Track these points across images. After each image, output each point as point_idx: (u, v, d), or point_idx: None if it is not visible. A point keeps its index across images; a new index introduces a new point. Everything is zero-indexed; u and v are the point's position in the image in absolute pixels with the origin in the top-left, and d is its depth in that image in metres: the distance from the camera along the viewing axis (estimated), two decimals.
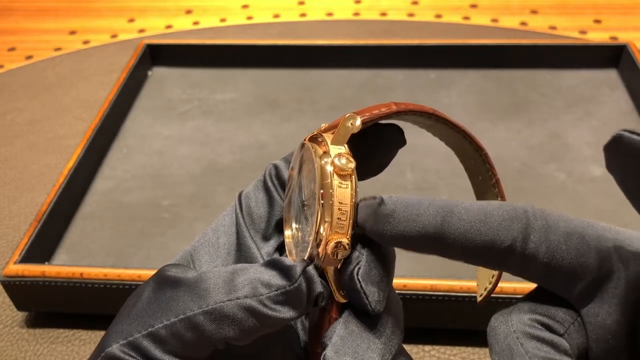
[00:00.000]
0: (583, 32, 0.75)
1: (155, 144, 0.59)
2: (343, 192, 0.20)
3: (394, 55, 0.66)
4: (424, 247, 0.20)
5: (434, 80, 0.65)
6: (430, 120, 0.26)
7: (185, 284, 0.21)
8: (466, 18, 0.78)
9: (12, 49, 0.78)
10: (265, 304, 0.20)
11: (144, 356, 0.20)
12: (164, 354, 0.20)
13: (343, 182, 0.20)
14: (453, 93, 0.64)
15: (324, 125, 0.23)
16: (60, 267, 0.42)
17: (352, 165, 0.20)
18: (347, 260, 0.21)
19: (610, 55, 0.64)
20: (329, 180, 0.20)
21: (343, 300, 0.21)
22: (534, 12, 0.79)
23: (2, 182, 0.56)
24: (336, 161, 0.20)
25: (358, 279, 0.20)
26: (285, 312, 0.20)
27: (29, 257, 0.43)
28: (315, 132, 0.22)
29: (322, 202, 0.20)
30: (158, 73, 0.69)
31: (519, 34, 0.74)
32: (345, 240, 0.20)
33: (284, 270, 0.20)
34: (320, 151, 0.21)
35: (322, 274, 0.21)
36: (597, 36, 0.74)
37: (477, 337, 0.41)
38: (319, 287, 0.21)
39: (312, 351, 0.22)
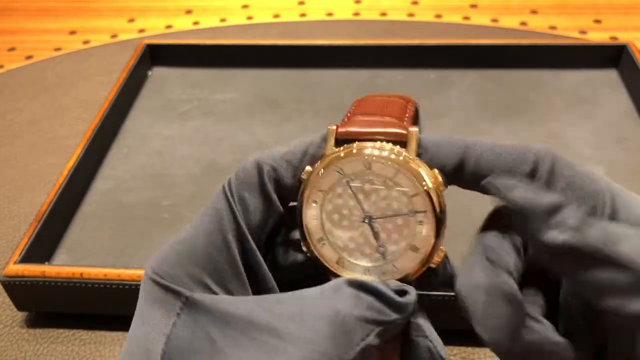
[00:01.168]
0: (583, 32, 0.75)
1: (155, 144, 0.59)
2: (441, 211, 0.22)
3: (394, 55, 0.66)
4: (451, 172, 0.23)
5: (434, 80, 0.65)
6: None
7: (291, 335, 0.18)
8: (466, 18, 0.78)
9: (12, 49, 0.78)
10: (376, 339, 0.19)
11: None
12: None
13: (441, 197, 0.22)
14: (453, 93, 0.64)
15: (333, 126, 0.23)
16: (60, 267, 0.42)
17: (445, 186, 0.22)
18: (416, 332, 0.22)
19: (610, 55, 0.64)
20: (437, 197, 0.21)
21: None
22: (534, 12, 0.79)
23: (2, 182, 0.56)
24: (437, 175, 0.22)
25: (441, 353, 0.22)
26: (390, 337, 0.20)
27: (29, 257, 0.43)
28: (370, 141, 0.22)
29: (427, 220, 0.21)
30: (158, 73, 0.69)
31: (519, 34, 0.74)
32: (440, 260, 0.22)
33: (394, 305, 0.20)
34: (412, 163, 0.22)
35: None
36: (597, 36, 0.74)
37: (477, 337, 0.41)
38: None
39: None
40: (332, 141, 0.23)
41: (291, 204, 0.24)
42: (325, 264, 0.22)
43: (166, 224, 0.51)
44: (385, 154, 0.22)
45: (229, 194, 0.22)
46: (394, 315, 0.20)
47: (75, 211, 0.52)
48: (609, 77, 0.64)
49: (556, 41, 0.68)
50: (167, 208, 0.52)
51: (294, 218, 0.23)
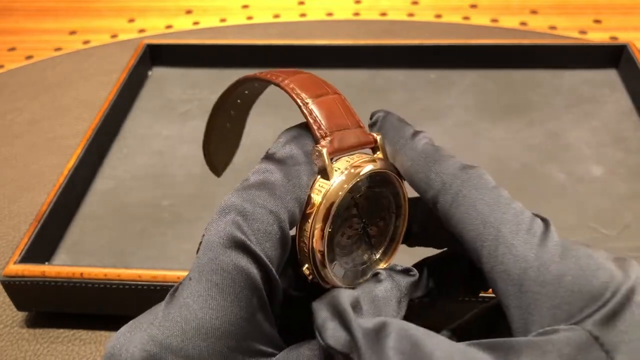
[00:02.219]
0: (583, 32, 0.75)
1: (155, 144, 0.59)
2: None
3: (394, 55, 0.66)
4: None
5: (434, 80, 0.65)
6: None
7: None
8: (466, 18, 0.78)
9: (12, 49, 0.78)
10: None
11: None
12: None
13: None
14: (453, 93, 0.64)
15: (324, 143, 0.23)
16: (60, 267, 0.42)
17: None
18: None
19: (610, 55, 0.64)
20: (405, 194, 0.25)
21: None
22: (534, 12, 0.79)
23: (2, 182, 0.56)
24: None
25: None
26: None
27: (29, 257, 0.43)
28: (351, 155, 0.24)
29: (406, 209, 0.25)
30: (158, 73, 0.69)
31: (519, 34, 0.74)
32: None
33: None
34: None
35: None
36: (597, 36, 0.74)
37: None
38: None
39: None
40: (328, 163, 0.23)
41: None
42: (333, 282, 0.23)
43: (166, 223, 0.51)
44: (371, 166, 0.23)
45: (250, 245, 0.19)
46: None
47: (75, 211, 0.52)
48: (609, 77, 0.64)
49: (556, 41, 0.68)
50: (167, 208, 0.52)
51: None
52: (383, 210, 0.24)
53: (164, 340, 0.18)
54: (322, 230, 0.22)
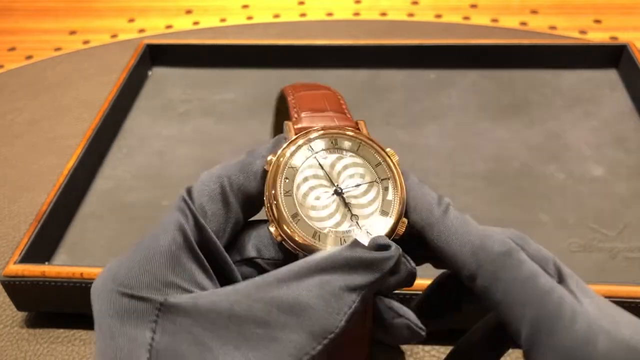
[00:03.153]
0: (583, 32, 0.75)
1: (155, 144, 0.59)
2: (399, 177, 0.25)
3: (394, 55, 0.66)
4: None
5: (434, 80, 0.65)
6: None
7: (277, 317, 0.18)
8: (466, 18, 0.78)
9: (12, 49, 0.78)
10: (363, 302, 0.20)
11: None
12: None
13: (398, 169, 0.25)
14: (453, 93, 0.64)
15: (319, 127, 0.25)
16: (60, 267, 0.42)
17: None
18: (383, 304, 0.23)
19: (610, 55, 0.64)
20: (396, 168, 0.24)
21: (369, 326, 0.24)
22: (534, 12, 0.79)
23: (2, 182, 0.56)
24: (392, 151, 0.25)
25: (420, 328, 0.23)
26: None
27: (29, 257, 0.43)
28: (345, 127, 0.25)
29: (394, 185, 0.24)
30: (158, 73, 0.69)
31: (519, 34, 0.74)
32: (406, 220, 0.24)
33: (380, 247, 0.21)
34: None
35: None
36: (597, 36, 0.74)
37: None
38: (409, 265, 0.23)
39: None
40: (292, 133, 0.25)
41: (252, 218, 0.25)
42: (301, 240, 0.23)
43: None
44: (349, 132, 0.25)
45: (187, 200, 0.23)
46: (375, 275, 0.20)
47: (75, 211, 0.52)
48: (609, 77, 0.64)
49: (556, 41, 0.68)
50: (167, 208, 0.52)
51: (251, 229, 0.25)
52: (360, 178, 0.24)
53: (115, 272, 0.21)
54: (277, 186, 0.23)
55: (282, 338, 0.18)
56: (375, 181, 0.24)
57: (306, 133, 0.25)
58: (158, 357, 0.18)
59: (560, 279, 0.22)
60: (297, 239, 0.23)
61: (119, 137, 0.60)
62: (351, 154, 0.24)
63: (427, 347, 0.41)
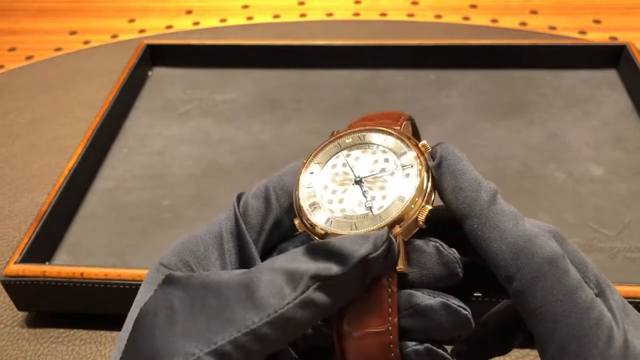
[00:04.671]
0: (583, 32, 0.75)
1: (155, 144, 0.59)
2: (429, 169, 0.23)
3: (394, 55, 0.66)
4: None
5: (434, 81, 0.65)
6: None
7: (234, 292, 0.20)
8: (466, 18, 0.78)
9: (12, 49, 0.78)
10: (321, 292, 0.20)
11: None
12: None
13: (429, 160, 0.24)
14: (453, 93, 0.64)
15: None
16: (60, 267, 0.42)
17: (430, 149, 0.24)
18: (418, 244, 0.22)
19: (610, 56, 0.64)
20: (421, 157, 0.23)
21: (407, 271, 0.22)
22: (533, 12, 0.79)
23: (2, 182, 0.56)
24: (426, 143, 0.24)
25: (448, 252, 0.22)
26: (344, 293, 0.21)
27: (29, 257, 0.43)
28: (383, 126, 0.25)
29: (419, 172, 0.23)
30: (158, 73, 0.69)
31: (518, 34, 0.74)
32: (430, 208, 0.22)
33: (364, 239, 0.21)
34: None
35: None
36: (597, 36, 0.74)
37: None
38: (396, 246, 0.21)
39: (366, 332, 0.21)
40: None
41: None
42: (315, 227, 0.23)
43: (166, 224, 0.51)
44: (379, 128, 0.25)
45: (235, 201, 0.25)
46: (335, 269, 0.20)
47: (76, 211, 0.52)
48: (609, 77, 0.64)
49: (556, 41, 0.68)
50: (167, 208, 0.52)
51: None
52: (381, 167, 0.24)
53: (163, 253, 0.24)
54: (300, 180, 0.24)
55: (229, 309, 0.20)
56: (396, 169, 0.24)
57: (338, 132, 0.25)
58: (140, 316, 0.21)
59: (599, 289, 0.21)
60: (312, 226, 0.23)
61: (119, 137, 0.60)
62: (377, 146, 0.24)
63: None
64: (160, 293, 0.21)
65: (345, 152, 0.25)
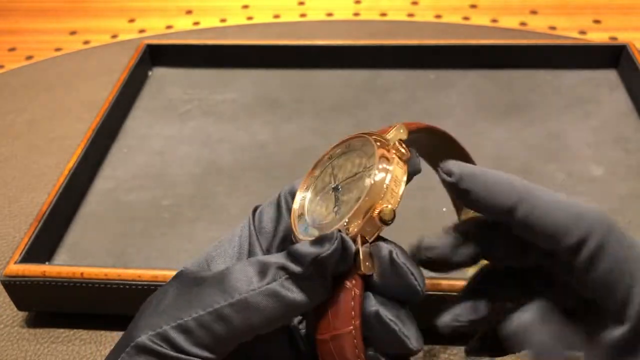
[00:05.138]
0: (583, 32, 0.75)
1: (155, 144, 0.59)
2: (399, 170, 0.23)
3: (394, 55, 0.66)
4: (496, 218, 0.22)
5: (434, 81, 0.65)
6: (437, 137, 0.29)
7: (210, 281, 0.22)
8: (466, 18, 0.78)
9: (12, 49, 0.78)
10: (286, 287, 0.21)
11: (172, 346, 0.21)
12: (192, 345, 0.21)
13: (400, 162, 0.23)
14: (453, 93, 0.64)
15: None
16: (60, 267, 0.42)
17: (408, 154, 0.23)
18: (377, 248, 0.22)
19: (609, 56, 0.64)
20: (388, 157, 0.23)
21: (369, 272, 0.22)
22: (533, 12, 0.79)
23: (2, 182, 0.56)
24: (397, 144, 0.23)
25: (403, 262, 0.21)
26: (309, 292, 0.21)
27: (29, 257, 0.43)
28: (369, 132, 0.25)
29: (378, 171, 0.22)
30: (158, 73, 0.69)
31: (518, 34, 0.74)
32: (391, 207, 0.22)
33: (317, 241, 0.22)
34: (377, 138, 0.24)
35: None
36: (597, 36, 0.74)
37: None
38: (352, 245, 0.22)
39: (332, 334, 0.22)
40: None
41: None
42: (298, 236, 0.24)
43: (166, 224, 0.51)
44: (363, 133, 0.25)
45: (251, 212, 0.26)
46: (296, 268, 0.21)
47: (76, 211, 0.52)
48: (609, 77, 0.64)
49: (556, 41, 0.68)
50: (167, 208, 0.52)
51: None
52: (353, 173, 0.24)
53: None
54: (296, 195, 0.25)
55: (202, 294, 0.22)
56: (363, 172, 0.23)
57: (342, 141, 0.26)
58: (152, 297, 0.24)
59: None
60: (295, 234, 0.24)
61: (119, 137, 0.60)
62: (358, 152, 0.25)
63: (427, 347, 0.41)
64: (172, 282, 0.24)
65: (334, 162, 0.25)
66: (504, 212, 0.22)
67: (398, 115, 0.61)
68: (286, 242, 0.25)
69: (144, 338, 0.21)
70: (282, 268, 0.21)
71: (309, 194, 0.25)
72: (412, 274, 0.22)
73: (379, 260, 0.22)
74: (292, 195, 0.26)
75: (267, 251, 0.25)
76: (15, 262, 0.42)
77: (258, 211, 0.26)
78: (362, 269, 0.22)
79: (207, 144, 0.59)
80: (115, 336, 0.43)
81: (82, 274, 0.41)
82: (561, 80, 0.64)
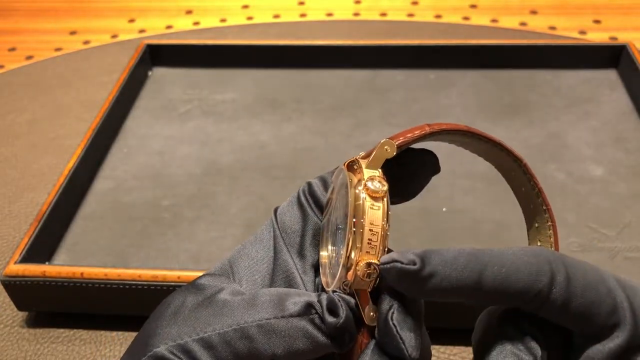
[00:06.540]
0: (583, 32, 0.75)
1: (155, 144, 0.59)
2: (375, 213, 0.21)
3: (394, 55, 0.66)
4: (459, 298, 0.22)
5: (434, 81, 0.65)
6: (466, 137, 0.26)
7: (239, 298, 0.22)
8: (466, 18, 0.78)
9: (12, 49, 0.78)
10: (318, 326, 0.21)
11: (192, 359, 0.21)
12: None
13: (375, 203, 0.21)
14: (453, 93, 0.64)
15: (362, 153, 0.24)
16: (60, 267, 0.42)
17: (385, 188, 0.21)
18: (380, 305, 0.21)
19: (609, 56, 0.64)
20: (361, 202, 0.21)
21: (373, 323, 0.21)
22: (533, 12, 0.79)
23: (2, 182, 0.56)
24: (369, 184, 0.21)
25: (394, 324, 0.21)
26: (332, 341, 0.21)
27: (29, 257, 0.43)
28: (353, 158, 0.23)
29: (354, 222, 0.21)
30: (158, 73, 0.69)
31: (518, 34, 0.74)
32: (375, 262, 0.21)
33: (332, 305, 0.21)
34: (354, 177, 0.22)
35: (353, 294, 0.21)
36: (597, 36, 0.74)
37: None
38: (338, 304, 0.21)
39: None
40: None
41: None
42: (321, 259, 0.24)
43: (166, 224, 0.51)
44: (349, 162, 0.23)
45: (272, 213, 0.26)
46: (330, 318, 0.21)
47: (76, 211, 0.52)
48: (609, 77, 0.64)
49: (556, 41, 0.68)
50: (167, 208, 0.52)
51: None
52: (340, 213, 0.23)
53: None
54: (323, 228, 0.24)
55: (229, 310, 0.21)
56: (344, 220, 0.22)
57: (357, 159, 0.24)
58: (167, 303, 0.23)
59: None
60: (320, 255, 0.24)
61: (119, 137, 0.60)
62: (341, 190, 0.24)
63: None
64: (189, 289, 0.23)
65: (333, 202, 0.24)
66: (471, 288, 0.21)
67: (398, 115, 0.61)
68: (316, 239, 0.25)
69: (162, 349, 0.21)
70: (312, 303, 0.21)
71: (325, 218, 0.24)
72: (401, 338, 0.20)
73: (378, 315, 0.21)
74: (311, 192, 0.25)
75: (298, 252, 0.24)
76: (15, 262, 0.42)
77: (279, 212, 0.25)
78: (367, 322, 0.21)
79: (207, 144, 0.59)
80: (115, 336, 0.43)
81: (82, 274, 0.41)
82: (561, 80, 0.64)
